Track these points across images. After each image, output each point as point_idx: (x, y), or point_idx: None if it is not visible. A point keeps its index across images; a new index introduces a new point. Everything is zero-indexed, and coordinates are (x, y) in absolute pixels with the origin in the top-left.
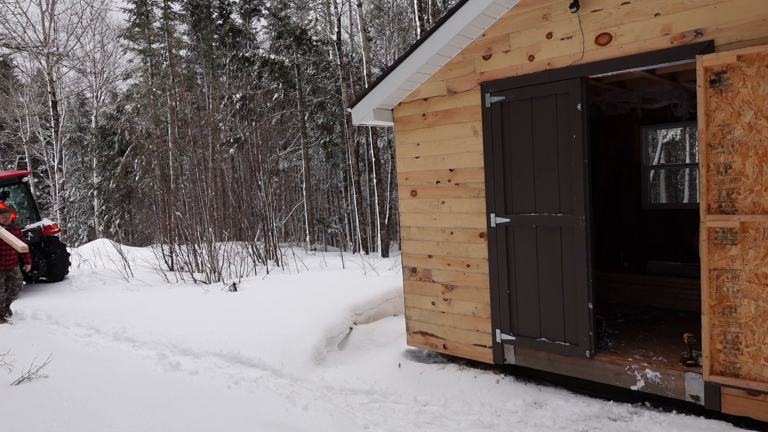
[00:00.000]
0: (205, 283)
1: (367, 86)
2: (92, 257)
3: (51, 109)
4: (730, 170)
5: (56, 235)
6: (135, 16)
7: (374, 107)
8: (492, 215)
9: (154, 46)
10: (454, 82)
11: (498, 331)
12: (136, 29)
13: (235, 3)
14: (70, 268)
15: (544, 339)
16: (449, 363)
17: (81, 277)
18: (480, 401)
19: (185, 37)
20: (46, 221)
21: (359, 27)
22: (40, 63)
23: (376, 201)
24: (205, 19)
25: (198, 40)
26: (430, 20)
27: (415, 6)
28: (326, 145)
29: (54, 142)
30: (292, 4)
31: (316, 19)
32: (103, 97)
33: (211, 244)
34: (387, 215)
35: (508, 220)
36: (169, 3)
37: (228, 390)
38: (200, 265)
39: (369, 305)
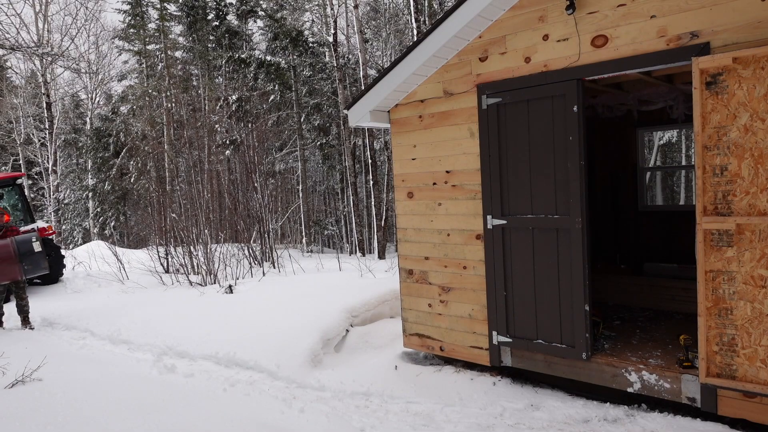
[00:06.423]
0: (200, 285)
1: (363, 88)
2: (87, 259)
3: (45, 111)
4: (726, 172)
5: (51, 237)
6: (130, 17)
7: (370, 109)
8: (488, 217)
9: (149, 47)
10: (451, 84)
11: (495, 333)
12: (131, 30)
13: (231, 4)
14: (64, 271)
15: (540, 341)
16: (446, 365)
17: (76, 279)
18: (477, 403)
19: (181, 39)
20: (40, 223)
21: (355, 29)
22: (34, 64)
23: (373, 203)
24: (201, 20)
25: (194, 41)
26: (427, 22)
27: (412, 8)
28: (323, 147)
29: (48, 144)
30: (288, 6)
31: (312, 20)
32: (98, 99)
33: (206, 246)
34: (384, 217)
35: (504, 221)
36: (164, 4)
37: (224, 392)
38: (196, 267)
39: (365, 307)
